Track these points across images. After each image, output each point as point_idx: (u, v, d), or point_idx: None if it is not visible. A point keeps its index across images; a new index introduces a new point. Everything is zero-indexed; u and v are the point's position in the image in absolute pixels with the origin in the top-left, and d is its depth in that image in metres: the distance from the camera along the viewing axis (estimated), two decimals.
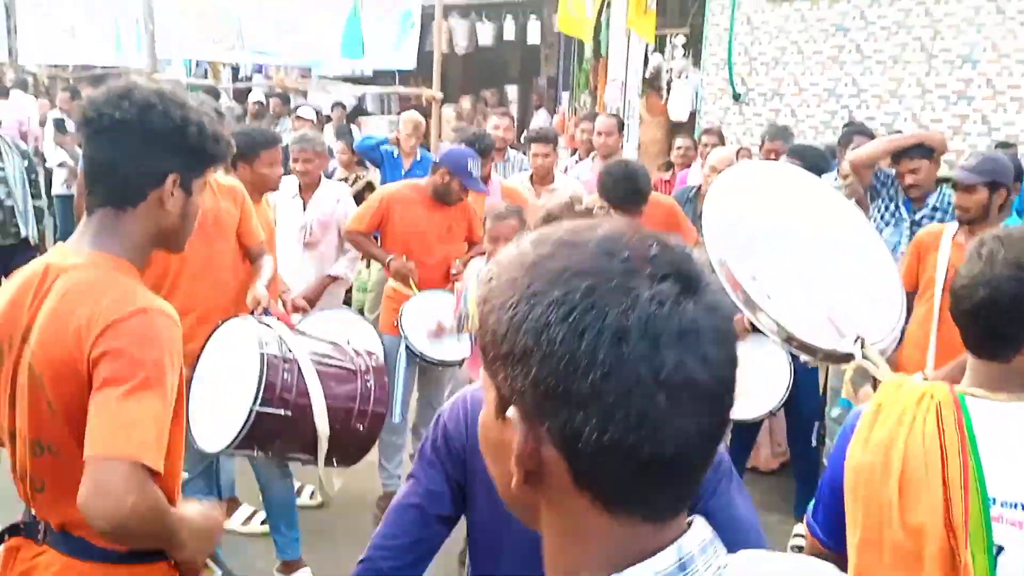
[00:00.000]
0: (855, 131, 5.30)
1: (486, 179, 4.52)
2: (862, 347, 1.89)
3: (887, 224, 3.89)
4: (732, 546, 1.31)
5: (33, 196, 5.13)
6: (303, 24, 8.79)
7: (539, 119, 10.97)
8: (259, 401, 2.48)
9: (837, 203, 2.44)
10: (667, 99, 8.87)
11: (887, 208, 3.91)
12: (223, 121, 1.69)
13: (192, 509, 1.54)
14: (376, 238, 4.17)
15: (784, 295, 2.00)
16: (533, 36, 10.22)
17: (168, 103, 1.56)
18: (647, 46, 8.90)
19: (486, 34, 10.57)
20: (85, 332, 1.44)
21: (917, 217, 3.77)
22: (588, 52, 9.29)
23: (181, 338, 1.54)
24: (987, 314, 1.42)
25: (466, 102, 11.25)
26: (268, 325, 2.79)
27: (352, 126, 9.78)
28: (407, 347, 3.73)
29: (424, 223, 3.96)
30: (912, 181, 3.79)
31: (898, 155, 3.84)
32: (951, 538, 1.39)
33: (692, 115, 8.87)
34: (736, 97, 8.49)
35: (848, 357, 1.91)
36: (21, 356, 1.52)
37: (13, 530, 1.60)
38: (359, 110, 12.16)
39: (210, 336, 2.81)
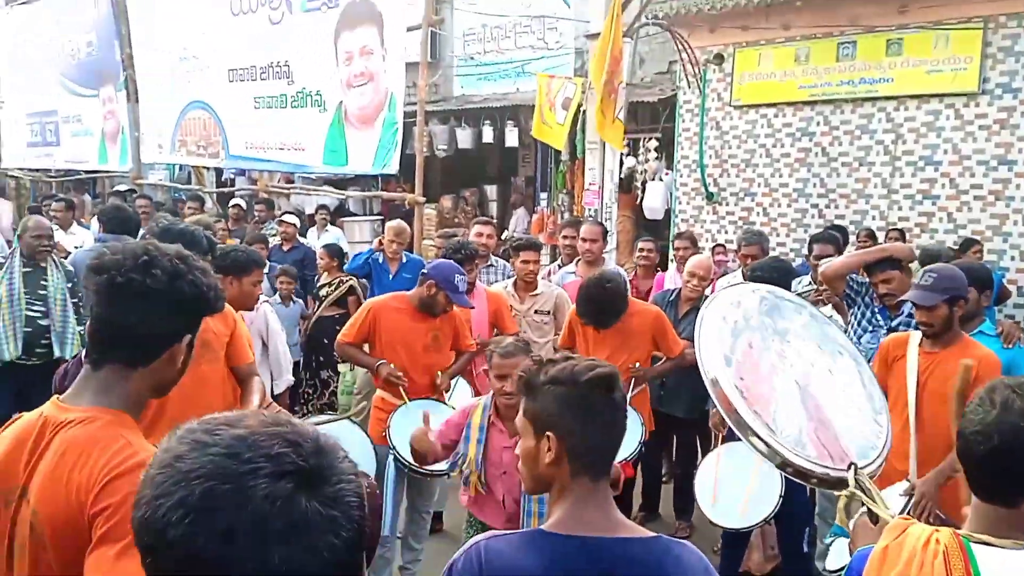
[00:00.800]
0: (816, 239, 5.50)
1: (471, 286, 4.59)
2: (855, 473, 1.92)
3: (864, 331, 3.98)
4: None
5: (77, 318, 4.97)
6: (286, 132, 8.99)
7: (518, 218, 11.20)
8: None
9: (818, 321, 2.51)
10: (641, 199, 9.11)
11: (863, 315, 4.01)
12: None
13: None
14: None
15: (778, 419, 2.04)
16: (511, 139, 10.53)
17: (193, 270, 1.61)
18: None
19: (465, 138, 10.88)
20: (85, 490, 1.43)
21: (894, 324, 3.86)
22: (565, 154, 9.59)
23: None
24: (1002, 460, 1.46)
25: (447, 201, 11.50)
26: None
27: (336, 228, 9.92)
28: (395, 458, 3.70)
29: (411, 333, 3.99)
30: (885, 291, 3.92)
31: (870, 267, 3.98)
32: None
33: (667, 212, 9.11)
34: (710, 197, 8.75)
35: (842, 483, 1.94)
36: (18, 512, 1.50)
37: None
38: (342, 211, 12.36)
39: None
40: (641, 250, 6.03)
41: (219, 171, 12.68)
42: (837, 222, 7.68)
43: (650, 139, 9.19)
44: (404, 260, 6.04)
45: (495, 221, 11.76)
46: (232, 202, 9.86)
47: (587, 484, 1.55)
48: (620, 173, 9.18)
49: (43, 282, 4.98)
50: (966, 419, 1.51)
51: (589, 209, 8.39)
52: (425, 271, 4.05)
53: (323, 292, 6.44)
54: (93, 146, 11.39)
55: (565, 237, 5.97)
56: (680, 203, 9.04)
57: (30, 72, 12.19)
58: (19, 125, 12.68)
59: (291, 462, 0.81)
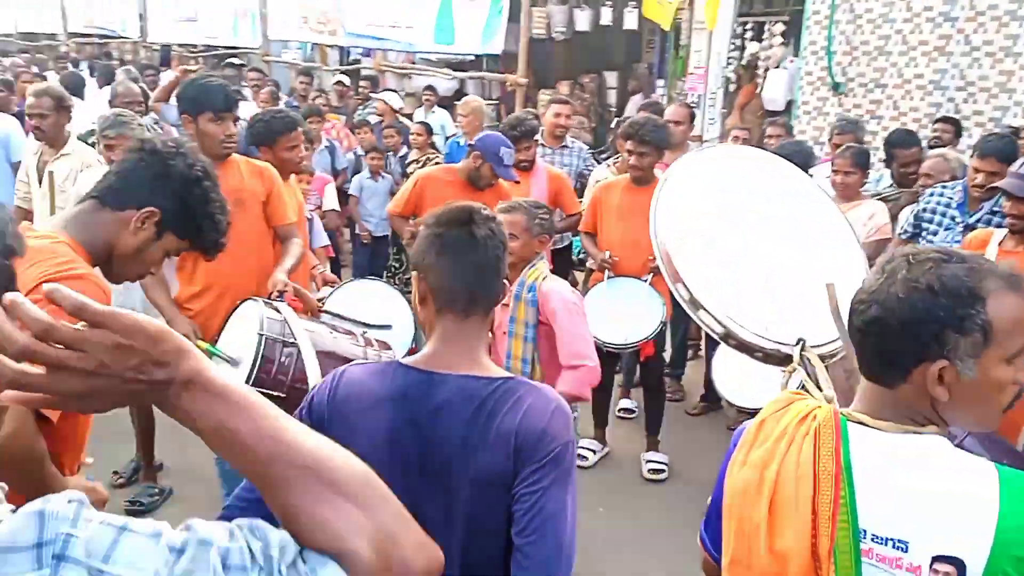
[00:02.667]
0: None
1: (531, 163, 4.50)
2: (802, 350, 1.78)
3: (940, 227, 3.63)
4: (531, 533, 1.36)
5: None
6: (400, 10, 8.96)
7: (634, 104, 10.78)
8: (253, 380, 2.52)
9: (814, 198, 2.28)
10: (762, 87, 8.53)
11: (936, 209, 3.64)
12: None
13: (78, 482, 1.65)
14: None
15: (729, 290, 1.91)
16: (630, 21, 10.03)
17: (177, 156, 1.91)
18: (745, 32, 8.59)
19: (584, 20, 10.45)
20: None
21: (971, 220, 3.49)
22: (684, 38, 9.05)
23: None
24: (876, 334, 1.31)
25: (564, 87, 11.18)
26: (276, 309, 2.87)
27: (443, 111, 9.93)
28: None
29: None
30: (981, 181, 3.52)
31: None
32: (816, 569, 1.30)
33: (789, 104, 8.50)
34: (836, 87, 8.06)
35: (789, 359, 1.80)
36: None
37: None
38: (461, 94, 12.32)
39: (230, 314, 2.93)
40: (769, 136, 5.70)
41: (345, 51, 12.89)
42: (975, 119, 6.92)
43: (776, 23, 8.51)
44: None
45: (612, 108, 11.45)
46: (335, 79, 10.01)
47: (451, 322, 1.60)
48: (741, 59, 8.61)
49: None
50: (860, 286, 1.35)
51: (692, 95, 7.95)
52: (472, 142, 4.00)
53: (411, 168, 6.51)
54: (227, 22, 11.81)
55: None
56: (804, 93, 8.40)
57: None
58: (163, 5, 13.28)
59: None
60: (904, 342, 1.28)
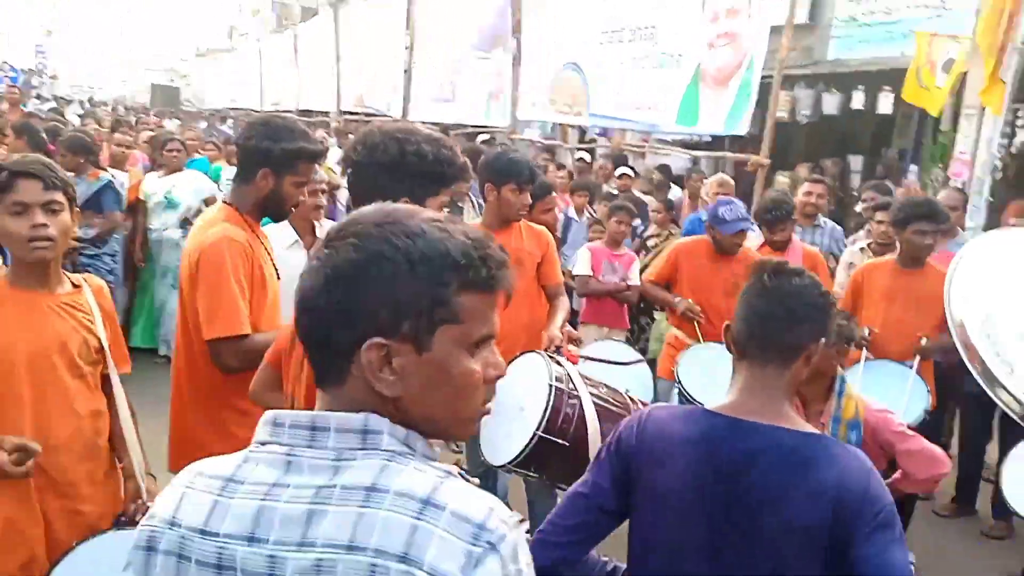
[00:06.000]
0: None
1: (786, 242, 4.49)
2: None
3: None
4: None
5: None
6: (645, 92, 9.29)
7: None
8: (543, 427, 2.68)
9: None
10: None
11: None
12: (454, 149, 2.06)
13: None
14: None
15: None
16: (884, 106, 9.70)
17: (388, 141, 1.98)
18: (1016, 119, 8.04)
19: (832, 104, 10.26)
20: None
21: None
22: (946, 123, 8.61)
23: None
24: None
25: (803, 169, 10.95)
26: (559, 363, 3.05)
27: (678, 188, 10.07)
28: (680, 392, 3.83)
29: (708, 276, 4.07)
30: None
31: None
32: None
33: None
34: None
35: None
36: None
37: None
38: (693, 172, 12.42)
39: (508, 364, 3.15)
40: None
41: (582, 130, 13.46)
42: None
43: None
44: None
45: (855, 192, 11.00)
46: (577, 155, 10.47)
47: (749, 369, 1.66)
48: (1010, 146, 8.04)
49: None
50: None
51: (956, 180, 7.51)
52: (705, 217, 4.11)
53: (650, 243, 6.66)
54: (481, 103, 12.78)
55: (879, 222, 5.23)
56: None
57: (441, 34, 13.94)
58: (427, 81, 14.62)
59: None
60: None
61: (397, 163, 1.93)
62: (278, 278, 2.68)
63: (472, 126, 13.54)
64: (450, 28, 13.57)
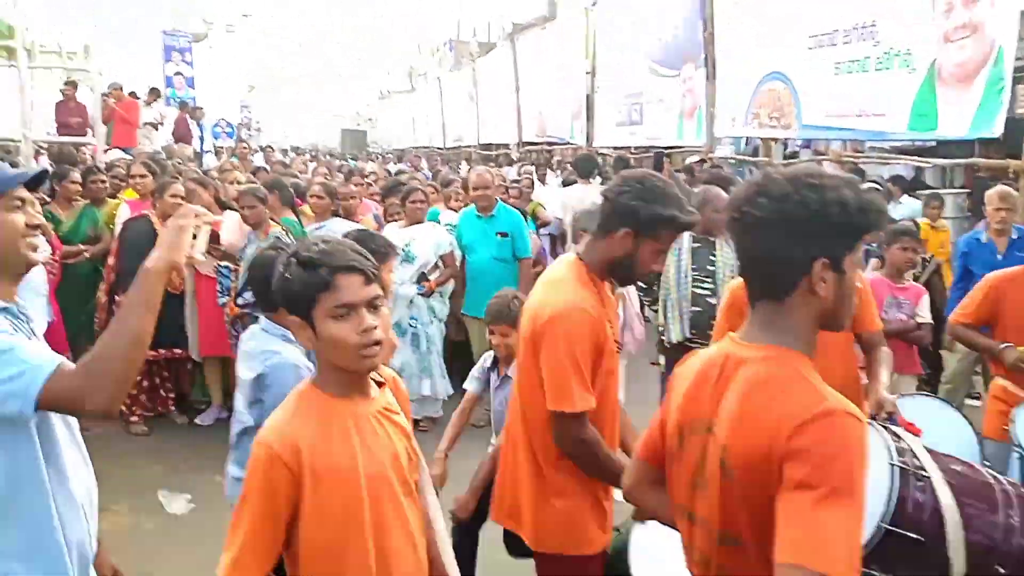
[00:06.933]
0: None
1: None
2: None
3: None
4: None
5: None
6: (866, 97, 8.42)
7: None
8: (890, 519, 2.12)
9: None
10: None
11: None
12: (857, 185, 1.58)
13: None
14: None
15: None
16: None
17: (803, 189, 1.54)
18: None
19: None
20: (775, 432, 1.48)
21: None
22: None
23: (866, 437, 1.50)
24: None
25: None
26: (896, 435, 2.46)
27: (913, 200, 9.02)
28: (1021, 458, 3.07)
29: None
30: None
31: None
32: None
33: None
34: None
35: None
36: (707, 445, 1.60)
37: None
38: (917, 183, 11.20)
39: None
40: None
41: (785, 144, 12.56)
42: None
43: None
44: (1014, 236, 5.10)
45: None
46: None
47: None
48: None
49: (711, 257, 4.66)
50: None
51: None
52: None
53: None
54: (672, 123, 12.21)
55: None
56: None
57: (623, 56, 13.56)
58: (610, 107, 14.26)
59: None
60: None
61: (819, 214, 1.52)
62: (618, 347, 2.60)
63: (662, 147, 12.99)
64: (633, 48, 13.15)
